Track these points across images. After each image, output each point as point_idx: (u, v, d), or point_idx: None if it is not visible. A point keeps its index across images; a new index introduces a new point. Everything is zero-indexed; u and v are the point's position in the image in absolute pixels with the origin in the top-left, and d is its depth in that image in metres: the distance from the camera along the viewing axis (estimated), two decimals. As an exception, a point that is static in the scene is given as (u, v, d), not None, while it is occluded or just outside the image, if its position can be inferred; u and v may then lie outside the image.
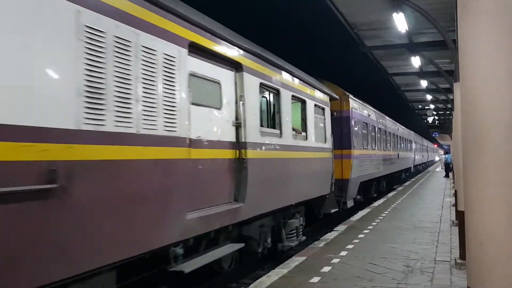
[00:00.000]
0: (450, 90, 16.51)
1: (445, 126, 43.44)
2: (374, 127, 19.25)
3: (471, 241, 3.12)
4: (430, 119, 41.55)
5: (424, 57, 15.89)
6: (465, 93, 3.18)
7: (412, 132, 37.47)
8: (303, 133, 9.67)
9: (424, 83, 22.72)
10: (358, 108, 15.94)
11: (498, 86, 2.99)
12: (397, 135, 26.72)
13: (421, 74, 20.17)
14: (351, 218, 13.25)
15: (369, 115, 18.17)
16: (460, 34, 3.24)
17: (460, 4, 3.20)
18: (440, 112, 36.94)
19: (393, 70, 20.92)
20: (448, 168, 34.90)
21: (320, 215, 11.86)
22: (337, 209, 12.17)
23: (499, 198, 2.98)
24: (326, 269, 7.27)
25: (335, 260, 7.85)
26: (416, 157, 39.72)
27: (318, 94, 11.00)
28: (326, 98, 11.73)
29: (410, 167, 35.32)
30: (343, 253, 8.44)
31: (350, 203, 14.23)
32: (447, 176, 34.85)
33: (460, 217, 7.70)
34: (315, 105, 10.52)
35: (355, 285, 6.42)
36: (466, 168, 3.18)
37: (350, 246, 9.03)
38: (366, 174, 16.65)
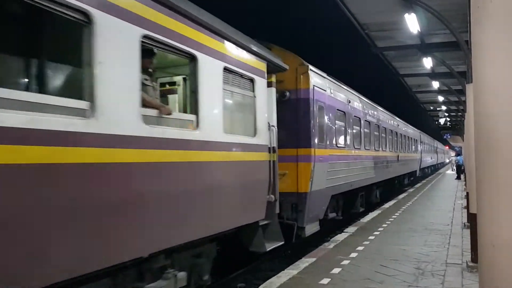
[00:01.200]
0: (462, 92, 16.36)
1: (457, 127, 43.05)
2: (359, 119, 14.33)
3: (483, 244, 3.09)
4: (442, 121, 41.20)
5: (436, 58, 15.75)
6: (477, 94, 3.15)
7: (418, 131, 33.61)
8: (191, 117, 5.47)
9: (436, 84, 22.52)
10: (326, 89, 11.00)
11: (512, 87, 2.96)
12: (397, 133, 22.13)
13: (433, 75, 20.00)
14: (361, 220, 13.21)
15: (349, 102, 13.23)
16: (473, 35, 3.22)
17: (473, 5, 3.17)
18: (452, 114, 36.60)
19: (405, 71, 20.76)
20: (460, 170, 34.63)
21: (262, 252, 7.46)
22: (281, 243, 7.69)
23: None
24: (336, 270, 7.26)
25: (345, 262, 7.82)
26: (423, 159, 35.32)
27: (238, 53, 6.53)
28: (259, 64, 7.24)
29: (415, 171, 30.91)
30: (353, 254, 8.41)
31: (311, 229, 9.76)
32: (458, 178, 34.62)
33: (472, 219, 7.63)
34: (228, 70, 6.22)
35: (365, 287, 6.39)
36: (479, 170, 3.15)
37: (360, 248, 9.00)
38: (343, 184, 11.94)
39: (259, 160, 7.04)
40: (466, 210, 12.90)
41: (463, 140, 27.73)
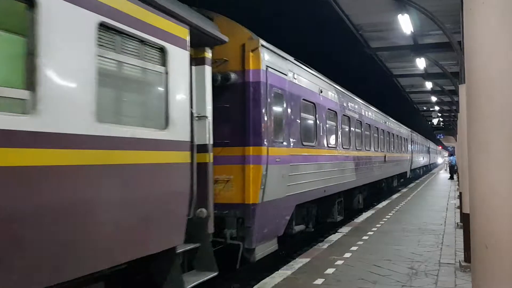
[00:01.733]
0: (455, 92, 16.49)
1: (450, 128, 43.33)
2: (335, 113, 12.07)
3: (476, 244, 3.11)
4: (435, 121, 41.41)
5: (429, 58, 15.85)
6: (470, 95, 3.17)
7: (409, 129, 31.69)
8: (20, 93, 3.42)
9: (429, 85, 22.65)
10: (287, 72, 8.64)
11: (504, 87, 2.98)
12: (384, 131, 20.05)
13: (426, 75, 20.12)
14: (355, 220, 13.23)
15: (321, 91, 10.88)
16: (465, 36, 3.23)
17: (466, 6, 3.19)
18: (445, 114, 36.83)
19: (398, 72, 20.87)
20: (453, 170, 34.85)
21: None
22: (214, 274, 5.83)
23: (504, 201, 2.97)
24: (330, 271, 7.27)
25: (339, 262, 7.83)
26: (414, 160, 33.14)
27: (133, 7, 4.49)
28: (176, 28, 5.16)
29: (406, 172, 29.03)
30: (347, 254, 8.42)
31: (264, 249, 7.67)
32: (451, 178, 34.85)
33: (465, 219, 7.67)
34: (110, 29, 4.25)
35: (359, 287, 6.41)
36: (472, 170, 3.17)
37: (354, 248, 9.01)
38: (313, 190, 9.81)
39: (172, 162, 5.00)
40: (459, 210, 12.97)
41: (456, 140, 27.89)
